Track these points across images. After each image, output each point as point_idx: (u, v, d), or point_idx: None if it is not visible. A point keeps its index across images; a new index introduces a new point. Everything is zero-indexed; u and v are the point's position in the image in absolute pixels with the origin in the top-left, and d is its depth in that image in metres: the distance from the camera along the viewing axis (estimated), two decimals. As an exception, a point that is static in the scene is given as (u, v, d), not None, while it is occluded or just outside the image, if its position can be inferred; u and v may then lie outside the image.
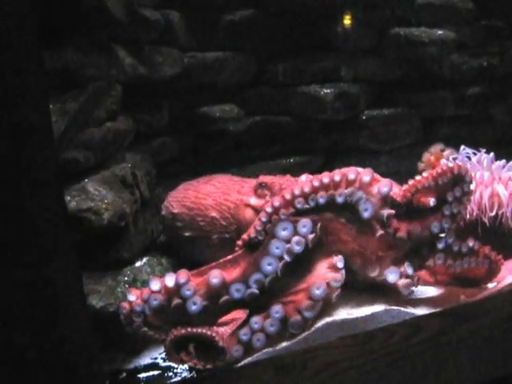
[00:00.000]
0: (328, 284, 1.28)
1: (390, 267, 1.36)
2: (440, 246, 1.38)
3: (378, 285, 1.38)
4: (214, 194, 1.54)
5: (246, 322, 1.25)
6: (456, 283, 1.48)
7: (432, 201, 1.35)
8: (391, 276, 1.34)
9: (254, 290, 1.26)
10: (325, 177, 1.34)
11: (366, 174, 1.33)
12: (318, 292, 1.26)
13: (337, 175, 1.33)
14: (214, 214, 1.51)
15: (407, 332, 1.26)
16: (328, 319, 1.30)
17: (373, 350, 1.22)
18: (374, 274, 1.35)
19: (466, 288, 1.49)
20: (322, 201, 1.32)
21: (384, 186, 1.33)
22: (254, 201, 1.49)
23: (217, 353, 1.20)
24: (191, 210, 1.53)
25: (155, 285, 1.25)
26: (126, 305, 1.24)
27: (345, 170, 1.35)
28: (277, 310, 1.25)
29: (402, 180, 1.45)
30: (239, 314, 1.27)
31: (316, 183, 1.33)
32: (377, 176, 1.36)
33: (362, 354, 1.22)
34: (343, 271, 1.32)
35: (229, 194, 1.53)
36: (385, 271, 1.35)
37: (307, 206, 1.32)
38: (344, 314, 1.32)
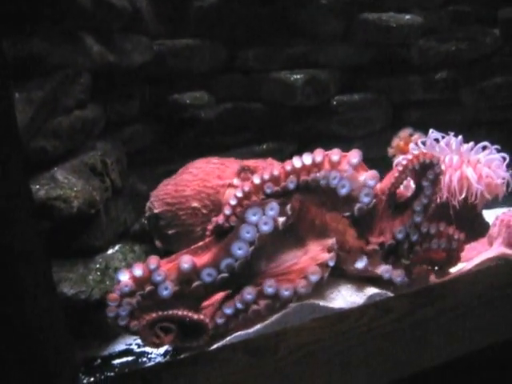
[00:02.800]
0: (322, 264, 1.30)
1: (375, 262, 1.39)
2: (414, 237, 1.41)
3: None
4: (192, 183, 1.52)
5: (229, 299, 1.27)
6: (423, 264, 1.49)
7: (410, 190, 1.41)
8: (382, 269, 1.38)
9: (225, 274, 1.27)
10: (296, 161, 1.35)
11: (334, 154, 1.36)
12: (313, 278, 1.29)
13: (307, 158, 1.34)
14: (194, 203, 1.49)
15: (377, 313, 1.27)
16: (302, 302, 1.31)
17: (343, 330, 1.24)
18: (354, 265, 1.38)
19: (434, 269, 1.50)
20: (291, 186, 1.33)
21: (353, 157, 1.36)
22: (236, 181, 1.50)
23: (197, 330, 1.23)
24: (172, 205, 1.51)
25: (124, 275, 1.25)
26: (112, 308, 1.23)
27: (314, 153, 1.36)
28: (269, 284, 1.27)
29: (373, 166, 1.46)
30: (219, 296, 1.29)
31: (288, 167, 1.34)
32: (343, 153, 1.38)
33: (334, 335, 1.23)
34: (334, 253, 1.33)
35: (208, 180, 1.52)
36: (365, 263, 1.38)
37: (277, 189, 1.33)
38: (318, 297, 1.34)
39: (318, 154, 1.34)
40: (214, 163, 1.59)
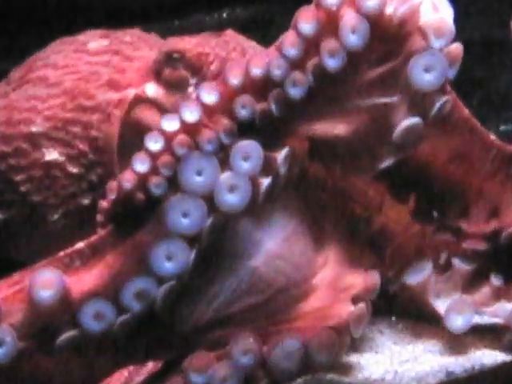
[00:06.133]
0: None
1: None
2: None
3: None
4: (48, 101, 1.28)
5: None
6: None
7: None
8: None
9: (133, 313, 1.03)
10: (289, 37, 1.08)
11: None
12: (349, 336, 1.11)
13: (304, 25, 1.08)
14: (51, 148, 1.27)
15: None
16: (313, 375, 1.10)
17: None
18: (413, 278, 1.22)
19: None
20: (295, 92, 1.06)
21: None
22: (153, 89, 1.26)
23: None
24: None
25: None
26: None
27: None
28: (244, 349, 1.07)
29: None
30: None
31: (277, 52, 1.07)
32: None
33: None
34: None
35: (85, 91, 1.28)
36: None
37: (265, 109, 1.08)
38: (353, 369, 1.17)
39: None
40: (96, 50, 1.34)
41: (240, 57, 1.24)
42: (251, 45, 1.33)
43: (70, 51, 1.37)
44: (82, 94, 1.27)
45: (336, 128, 1.11)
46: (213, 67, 1.23)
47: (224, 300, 1.11)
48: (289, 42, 1.07)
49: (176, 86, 1.25)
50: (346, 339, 1.09)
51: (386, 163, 1.10)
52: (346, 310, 1.11)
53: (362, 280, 1.15)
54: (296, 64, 1.08)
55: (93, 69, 1.31)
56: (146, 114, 1.25)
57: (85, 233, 1.13)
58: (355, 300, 1.12)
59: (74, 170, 1.26)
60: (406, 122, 1.06)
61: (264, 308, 1.13)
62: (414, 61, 1.05)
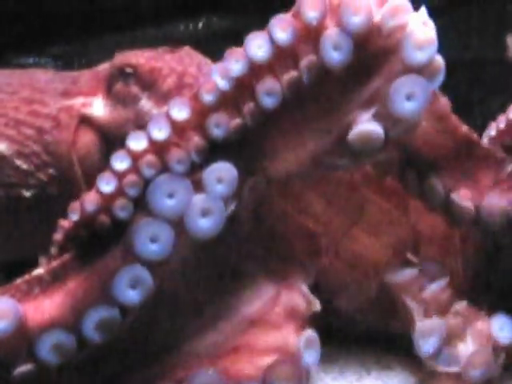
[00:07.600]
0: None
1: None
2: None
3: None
4: (3, 103, 1.29)
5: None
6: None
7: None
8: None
9: (94, 342, 0.98)
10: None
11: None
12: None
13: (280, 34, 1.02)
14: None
15: None
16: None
17: None
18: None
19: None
20: (268, 102, 0.99)
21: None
22: (100, 109, 1.26)
23: None
24: None
25: None
26: None
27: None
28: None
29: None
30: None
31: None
32: None
33: None
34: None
35: (42, 100, 1.28)
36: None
37: (238, 124, 1.02)
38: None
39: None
40: (54, 76, 1.37)
41: (197, 72, 1.22)
42: (207, 62, 1.30)
43: (20, 75, 1.38)
44: (37, 102, 1.28)
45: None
46: (170, 81, 1.21)
47: (188, 333, 1.07)
48: (255, 46, 1.02)
49: (126, 102, 1.24)
50: (302, 368, 1.05)
51: (338, 163, 1.06)
52: (297, 336, 1.08)
53: (302, 297, 1.11)
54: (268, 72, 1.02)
55: (49, 83, 1.33)
56: (91, 136, 1.25)
57: (19, 221, 1.23)
58: (303, 324, 1.09)
59: (23, 165, 1.26)
60: (366, 125, 1.01)
61: (216, 340, 1.09)
62: (397, 85, 1.00)
